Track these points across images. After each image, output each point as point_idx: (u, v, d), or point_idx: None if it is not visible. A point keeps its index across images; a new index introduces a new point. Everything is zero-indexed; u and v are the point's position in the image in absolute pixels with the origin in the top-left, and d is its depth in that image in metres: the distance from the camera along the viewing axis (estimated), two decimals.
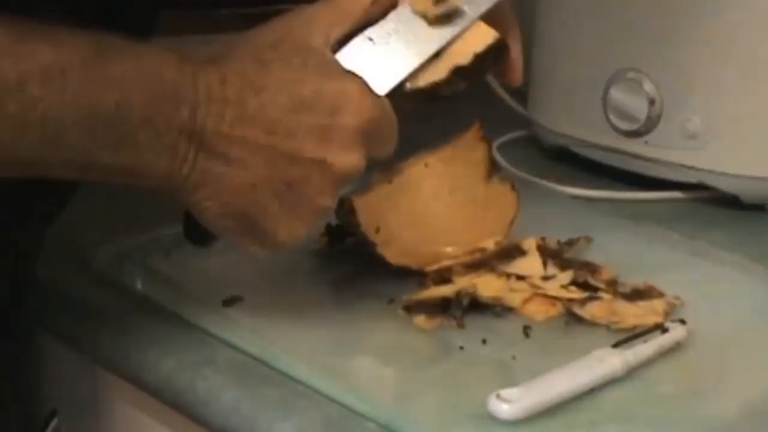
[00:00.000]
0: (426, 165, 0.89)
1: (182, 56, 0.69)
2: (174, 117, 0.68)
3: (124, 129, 0.66)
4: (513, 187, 0.94)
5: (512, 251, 0.89)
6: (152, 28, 0.80)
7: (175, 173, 0.70)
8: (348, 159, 0.73)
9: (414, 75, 0.80)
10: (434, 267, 0.86)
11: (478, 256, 0.87)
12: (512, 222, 0.93)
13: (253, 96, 0.70)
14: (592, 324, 0.84)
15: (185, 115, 0.68)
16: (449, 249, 0.88)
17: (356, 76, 0.75)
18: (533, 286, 0.87)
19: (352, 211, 0.85)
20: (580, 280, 0.88)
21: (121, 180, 0.70)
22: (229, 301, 0.85)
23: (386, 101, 0.77)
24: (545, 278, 0.87)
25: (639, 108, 1.12)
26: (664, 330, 0.81)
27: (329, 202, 0.74)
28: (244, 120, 0.70)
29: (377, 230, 0.86)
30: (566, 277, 0.88)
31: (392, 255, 0.87)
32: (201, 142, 0.69)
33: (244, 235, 0.74)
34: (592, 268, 0.90)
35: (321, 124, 0.72)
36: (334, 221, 0.91)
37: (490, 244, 0.88)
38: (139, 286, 0.89)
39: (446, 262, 0.87)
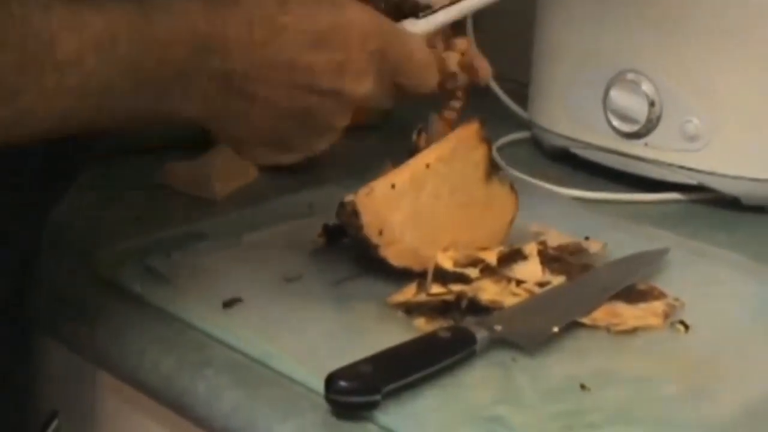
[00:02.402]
0: (427, 166, 0.89)
1: (209, 4, 0.73)
2: (206, 66, 0.72)
3: (163, 82, 0.71)
4: (512, 188, 0.94)
5: (514, 255, 0.89)
6: None
7: (204, 114, 0.75)
8: (361, 87, 0.78)
9: None
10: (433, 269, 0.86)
11: (479, 266, 0.87)
12: (511, 222, 0.93)
13: (276, 37, 0.75)
14: (591, 326, 0.84)
15: (216, 64, 0.73)
16: (450, 251, 0.88)
17: (366, 5, 0.80)
18: (528, 291, 0.87)
19: (355, 213, 0.85)
20: None
21: (157, 123, 0.78)
22: (229, 303, 0.85)
23: (403, 28, 0.83)
24: (540, 284, 0.87)
25: (639, 110, 1.12)
26: None
27: (344, 121, 0.80)
28: (268, 61, 0.75)
29: (380, 232, 0.86)
30: (559, 282, 0.88)
31: (394, 257, 0.87)
32: (230, 86, 0.74)
33: (273, 152, 0.80)
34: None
35: (336, 59, 0.77)
36: (331, 221, 0.91)
37: (492, 257, 0.88)
38: (138, 287, 0.89)
39: (447, 267, 0.87)
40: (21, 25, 0.62)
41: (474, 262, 0.87)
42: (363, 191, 0.86)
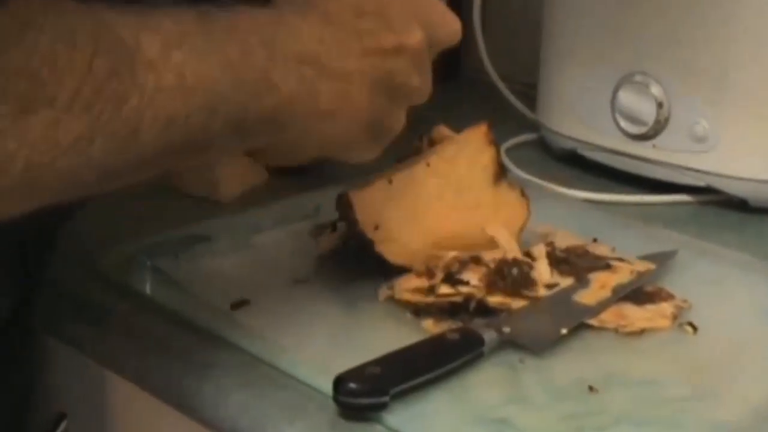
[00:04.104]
0: (428, 164, 0.89)
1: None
2: (287, 49, 0.72)
3: (257, 72, 0.70)
4: (523, 194, 0.93)
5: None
6: None
7: (311, 104, 0.74)
8: (414, 35, 0.79)
9: None
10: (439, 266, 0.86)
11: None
12: (522, 229, 0.93)
13: (328, 15, 0.76)
14: (599, 328, 0.84)
15: (296, 46, 0.72)
16: (454, 253, 0.87)
17: None
18: (536, 294, 0.86)
19: (349, 206, 0.85)
20: None
21: (268, 131, 0.73)
22: (237, 304, 0.85)
23: None
24: (548, 286, 0.87)
25: (647, 111, 1.12)
26: None
27: (417, 81, 0.80)
28: (337, 34, 0.75)
29: (376, 228, 0.86)
30: (567, 284, 0.88)
31: (391, 254, 0.86)
32: (322, 65, 0.74)
33: (370, 140, 0.80)
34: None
35: (381, 17, 0.78)
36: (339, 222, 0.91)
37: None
38: (146, 288, 0.89)
39: (453, 266, 0.86)
40: (109, 31, 0.62)
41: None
42: (359, 185, 0.86)
